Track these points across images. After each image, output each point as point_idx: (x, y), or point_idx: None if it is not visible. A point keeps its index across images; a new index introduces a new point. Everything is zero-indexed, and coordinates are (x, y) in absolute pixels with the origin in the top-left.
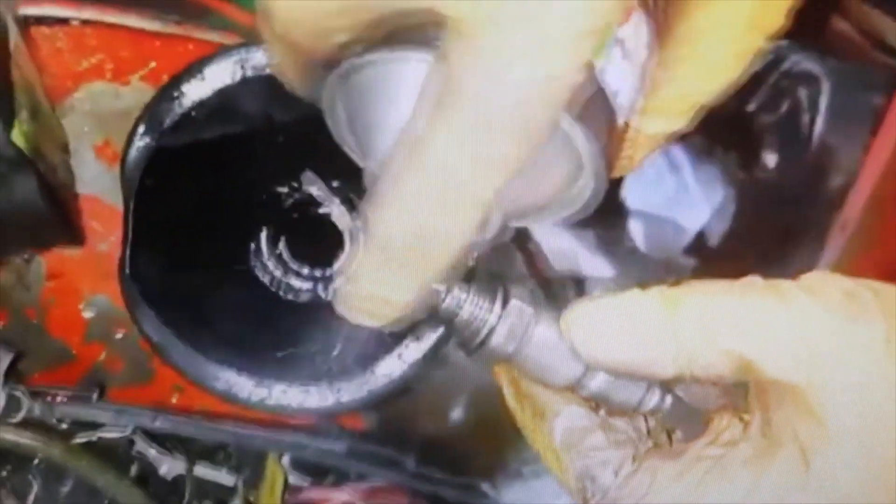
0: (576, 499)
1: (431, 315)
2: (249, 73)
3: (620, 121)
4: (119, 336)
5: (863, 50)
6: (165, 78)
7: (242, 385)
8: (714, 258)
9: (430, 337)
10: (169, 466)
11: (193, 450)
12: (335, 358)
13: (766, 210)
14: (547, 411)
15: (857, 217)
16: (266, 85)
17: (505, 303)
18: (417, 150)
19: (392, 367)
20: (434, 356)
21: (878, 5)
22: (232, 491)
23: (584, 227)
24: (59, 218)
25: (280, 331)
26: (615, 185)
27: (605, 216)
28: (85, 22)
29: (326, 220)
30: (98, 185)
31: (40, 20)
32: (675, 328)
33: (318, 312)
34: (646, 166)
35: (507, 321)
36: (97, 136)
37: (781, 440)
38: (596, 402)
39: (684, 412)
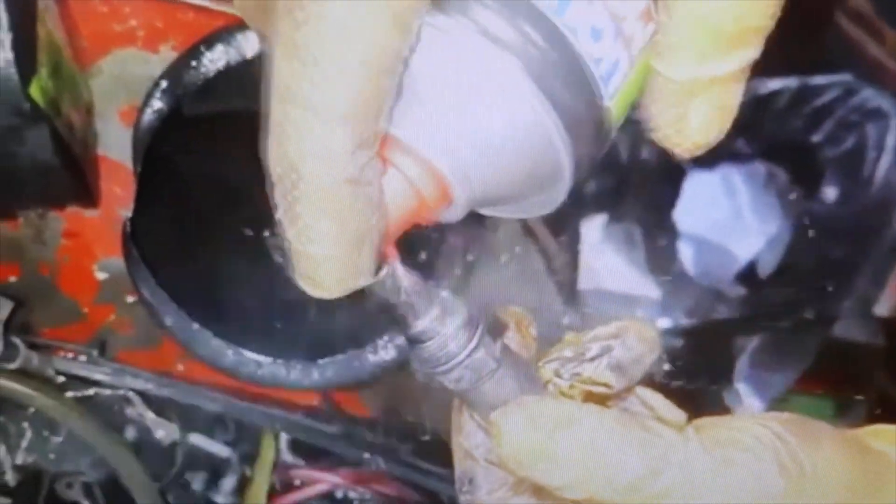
0: None
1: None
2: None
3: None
4: (130, 300)
5: None
6: None
7: (230, 354)
8: (764, 289)
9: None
10: (165, 432)
11: (191, 420)
12: (326, 336)
13: (822, 245)
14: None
15: None
16: None
17: (475, 347)
18: (271, 73)
19: (383, 350)
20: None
21: None
22: (226, 464)
23: (633, 245)
24: (72, 177)
25: (275, 305)
26: (669, 204)
27: (656, 235)
28: None
29: None
30: (121, 149)
31: None
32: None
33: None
34: (702, 188)
35: (472, 364)
36: (123, 101)
37: None
38: None
39: None
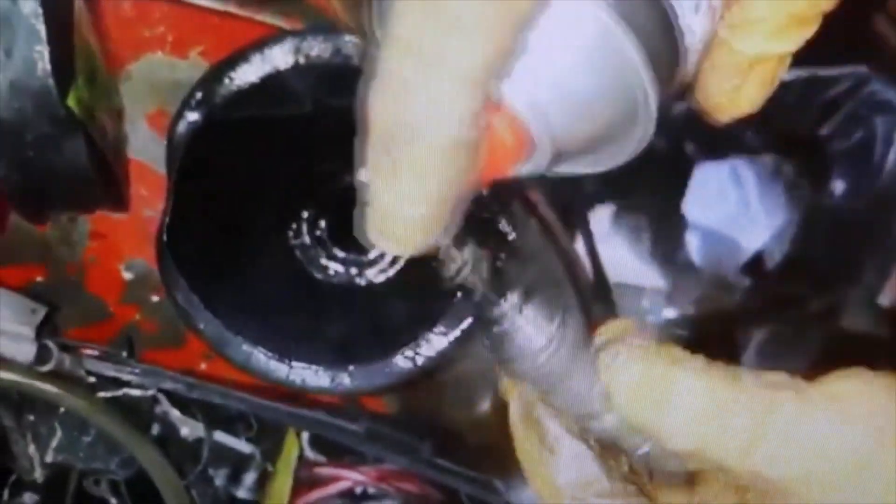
0: None
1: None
2: (303, 60)
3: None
4: (155, 300)
5: None
6: (222, 56)
7: (261, 358)
8: (770, 281)
9: (456, 330)
10: (189, 429)
11: (215, 417)
12: (356, 342)
13: (829, 237)
14: (556, 445)
15: None
16: (320, 74)
17: (561, 325)
18: (388, 23)
19: (412, 357)
20: (458, 350)
21: None
22: (249, 460)
23: (640, 235)
24: (105, 183)
25: (306, 311)
26: (676, 195)
27: (663, 225)
28: None
29: None
30: (148, 152)
31: None
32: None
33: (347, 296)
34: (710, 179)
35: (558, 346)
36: (151, 105)
37: None
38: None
39: (666, 460)
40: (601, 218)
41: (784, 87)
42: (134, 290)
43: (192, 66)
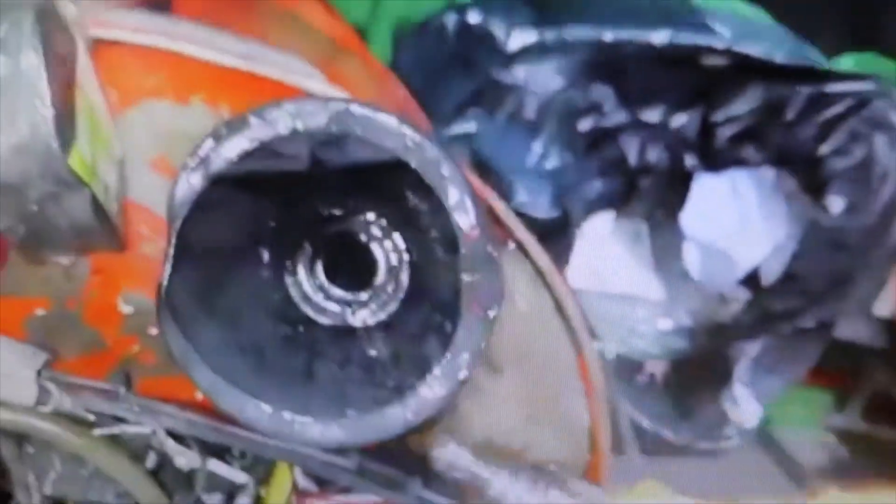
0: None
1: None
2: (301, 126)
3: None
4: (153, 332)
5: None
6: (224, 103)
7: (260, 413)
8: (767, 294)
9: (451, 381)
10: (185, 458)
11: (209, 447)
12: (350, 392)
13: (826, 254)
14: None
15: None
16: (318, 138)
17: None
18: None
19: (403, 412)
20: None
21: None
22: (242, 487)
23: (641, 242)
24: (106, 231)
25: (301, 359)
26: (676, 207)
27: (662, 236)
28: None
29: (360, 250)
30: (148, 196)
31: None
32: None
33: (342, 343)
34: (710, 192)
35: None
36: (153, 151)
37: None
38: None
39: None
40: (601, 223)
41: (786, 102)
42: (132, 322)
43: (195, 112)
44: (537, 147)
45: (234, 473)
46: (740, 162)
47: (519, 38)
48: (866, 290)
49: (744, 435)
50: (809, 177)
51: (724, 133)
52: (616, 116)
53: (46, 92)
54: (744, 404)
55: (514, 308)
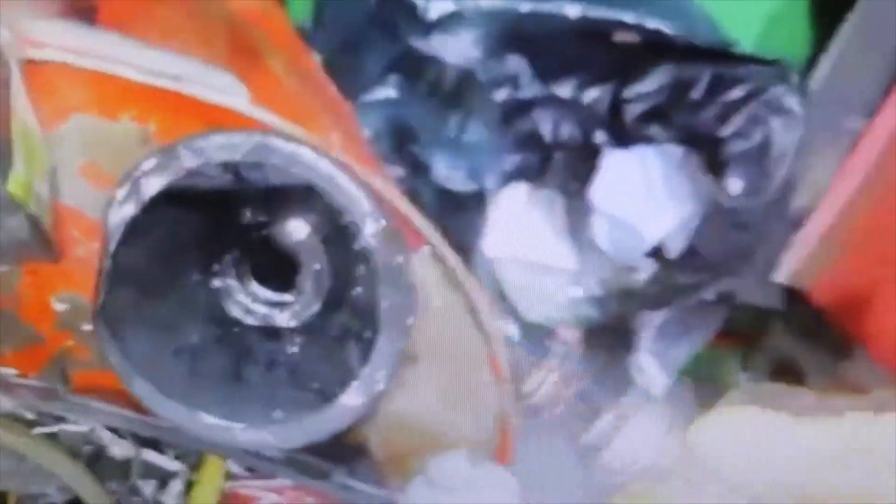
0: None
1: None
2: (226, 157)
3: None
4: (86, 328)
5: None
6: (153, 121)
7: (194, 422)
8: (671, 268)
9: (364, 396)
10: (119, 449)
11: (143, 437)
12: (280, 397)
13: (726, 232)
14: None
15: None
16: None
17: None
18: None
19: (327, 418)
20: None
21: None
22: (174, 473)
23: (555, 214)
24: (42, 245)
25: (231, 364)
26: (585, 180)
27: (574, 209)
28: None
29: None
30: (80, 199)
31: None
32: None
33: (271, 347)
34: (618, 167)
35: None
36: (82, 158)
37: None
38: None
39: None
40: (518, 193)
41: (693, 83)
42: (66, 319)
43: (124, 127)
44: (455, 119)
45: (167, 462)
46: (649, 139)
47: (438, 7)
48: (764, 264)
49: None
50: (711, 157)
51: (634, 110)
52: (531, 90)
53: None
54: (650, 372)
55: (429, 304)
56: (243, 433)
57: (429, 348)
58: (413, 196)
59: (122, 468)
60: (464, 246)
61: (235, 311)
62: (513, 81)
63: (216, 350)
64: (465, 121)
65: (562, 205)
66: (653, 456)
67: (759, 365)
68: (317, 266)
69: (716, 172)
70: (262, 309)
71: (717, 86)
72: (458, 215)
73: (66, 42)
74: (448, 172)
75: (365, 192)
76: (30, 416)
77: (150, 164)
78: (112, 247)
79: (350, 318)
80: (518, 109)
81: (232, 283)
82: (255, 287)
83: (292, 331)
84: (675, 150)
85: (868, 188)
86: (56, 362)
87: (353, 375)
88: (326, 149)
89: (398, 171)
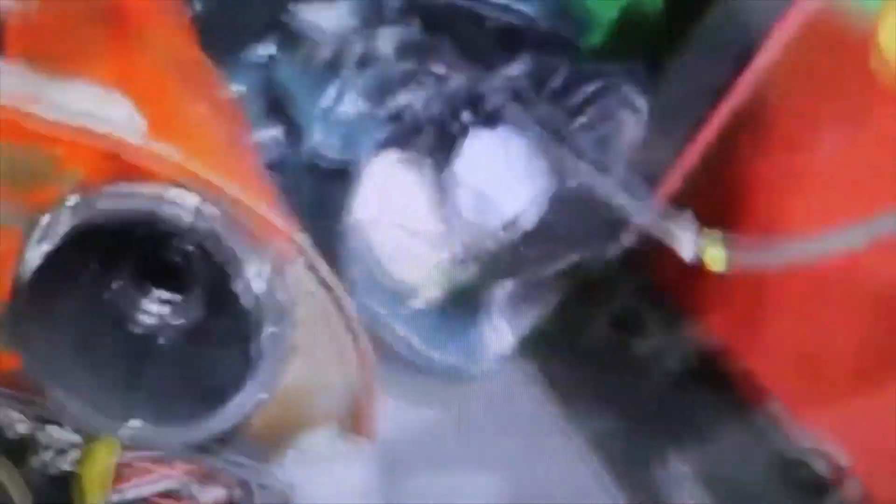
0: None
1: None
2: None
3: None
4: None
5: None
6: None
7: (97, 419)
8: (524, 238)
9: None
10: (18, 427)
11: (44, 415)
12: (172, 398)
13: (574, 209)
14: None
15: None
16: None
17: None
18: None
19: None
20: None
21: None
22: (73, 444)
23: (424, 179)
24: None
25: (128, 365)
26: (451, 155)
27: (441, 180)
28: None
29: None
30: None
31: None
32: None
33: (171, 352)
34: (482, 145)
35: None
36: None
37: None
38: None
39: None
40: (389, 162)
41: (550, 73)
42: None
43: (33, 151)
44: (332, 91)
45: (66, 434)
46: (509, 121)
47: None
48: (603, 242)
49: (498, 360)
50: (564, 144)
51: (497, 94)
52: (404, 65)
53: None
54: (500, 332)
55: (305, 305)
56: (145, 432)
57: (303, 341)
58: (287, 162)
59: (26, 442)
60: (337, 211)
61: (135, 314)
62: (387, 56)
63: (119, 351)
64: (341, 93)
65: (430, 175)
66: None
67: (603, 317)
68: (207, 277)
69: (569, 156)
70: (154, 308)
71: (575, 79)
72: (331, 182)
73: None
74: (323, 141)
75: (249, 245)
76: None
77: (58, 213)
78: (27, 272)
79: (235, 323)
80: (392, 84)
81: (131, 288)
82: (150, 288)
83: (184, 331)
84: (532, 134)
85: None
86: None
87: (240, 383)
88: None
89: (273, 132)
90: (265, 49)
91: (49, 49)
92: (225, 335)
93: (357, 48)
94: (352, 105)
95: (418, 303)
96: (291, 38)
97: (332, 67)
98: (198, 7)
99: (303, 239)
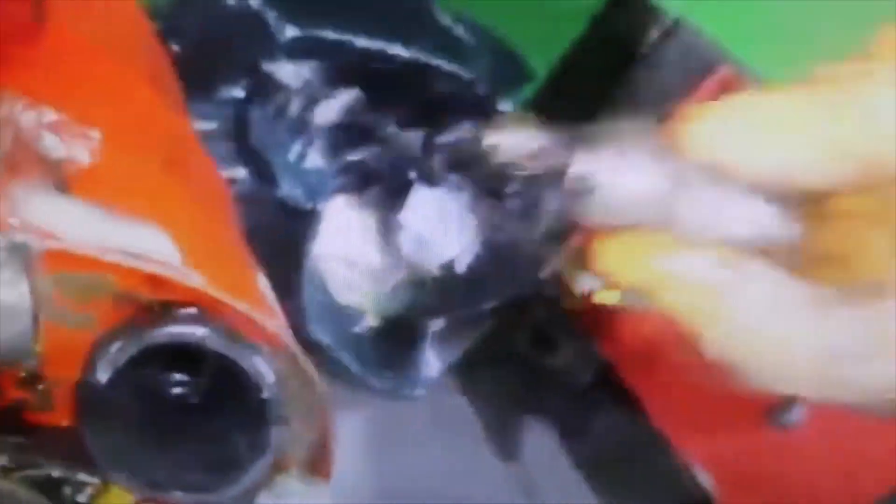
0: None
1: None
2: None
3: None
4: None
5: None
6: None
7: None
8: (455, 282)
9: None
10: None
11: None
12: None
13: (503, 260)
14: None
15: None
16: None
17: None
18: None
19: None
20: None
21: None
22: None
23: (368, 220)
24: None
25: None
26: (397, 206)
27: (385, 223)
28: None
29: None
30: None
31: None
32: None
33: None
34: (425, 199)
35: None
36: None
37: None
38: None
39: None
40: (343, 205)
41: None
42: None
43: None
44: (297, 146)
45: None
46: (449, 180)
47: (289, 32)
48: (534, 281)
49: (429, 384)
50: (497, 206)
51: (440, 156)
52: (358, 126)
53: None
54: (430, 362)
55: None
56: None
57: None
58: (254, 198)
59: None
60: (298, 245)
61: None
62: (350, 114)
63: (161, 426)
64: (305, 150)
65: (377, 218)
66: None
67: (522, 337)
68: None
69: (498, 215)
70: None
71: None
72: (294, 219)
73: (54, 226)
74: (290, 191)
75: (268, 367)
76: None
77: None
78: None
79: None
80: (348, 142)
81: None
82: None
83: (198, 407)
84: (469, 195)
85: None
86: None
87: (244, 465)
88: None
89: (240, 171)
90: (238, 92)
91: (109, 193)
92: (237, 412)
93: (321, 107)
94: (313, 161)
95: (360, 328)
96: (264, 93)
97: (300, 125)
98: (175, 48)
99: (285, 330)
